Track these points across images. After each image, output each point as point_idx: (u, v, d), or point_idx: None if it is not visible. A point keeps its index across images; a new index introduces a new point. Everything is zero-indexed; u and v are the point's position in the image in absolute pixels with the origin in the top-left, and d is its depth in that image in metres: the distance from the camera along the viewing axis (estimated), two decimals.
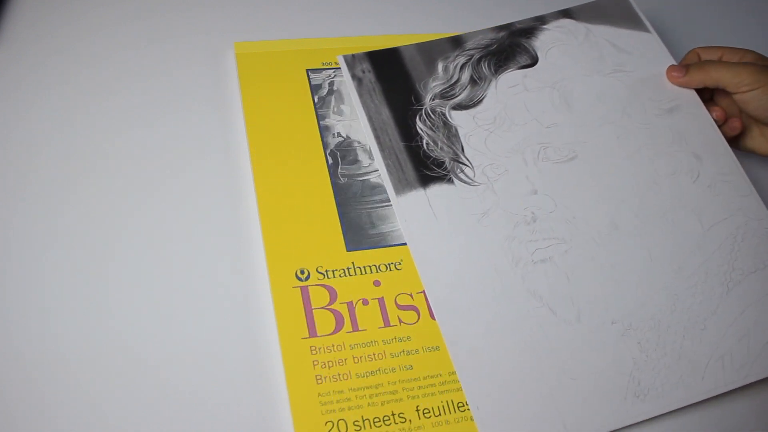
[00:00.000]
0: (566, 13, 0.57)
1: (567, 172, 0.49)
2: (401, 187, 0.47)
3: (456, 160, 0.49)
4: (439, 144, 0.49)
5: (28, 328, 0.39)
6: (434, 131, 0.50)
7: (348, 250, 0.45)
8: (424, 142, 0.49)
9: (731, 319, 0.44)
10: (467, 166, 0.49)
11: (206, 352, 0.40)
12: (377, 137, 0.50)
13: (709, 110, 0.52)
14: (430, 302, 0.43)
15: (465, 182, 0.48)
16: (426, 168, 0.48)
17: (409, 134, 0.50)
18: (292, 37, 0.55)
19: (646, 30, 0.56)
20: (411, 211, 0.46)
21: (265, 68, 0.53)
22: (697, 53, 0.54)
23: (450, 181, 0.48)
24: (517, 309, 0.43)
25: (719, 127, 0.52)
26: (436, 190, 0.47)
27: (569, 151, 0.49)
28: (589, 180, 0.48)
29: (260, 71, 0.53)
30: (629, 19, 0.56)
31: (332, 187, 0.48)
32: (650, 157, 0.50)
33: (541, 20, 0.56)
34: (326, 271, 0.44)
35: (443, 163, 0.49)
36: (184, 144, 0.48)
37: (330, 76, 0.54)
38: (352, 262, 0.45)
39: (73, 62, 0.51)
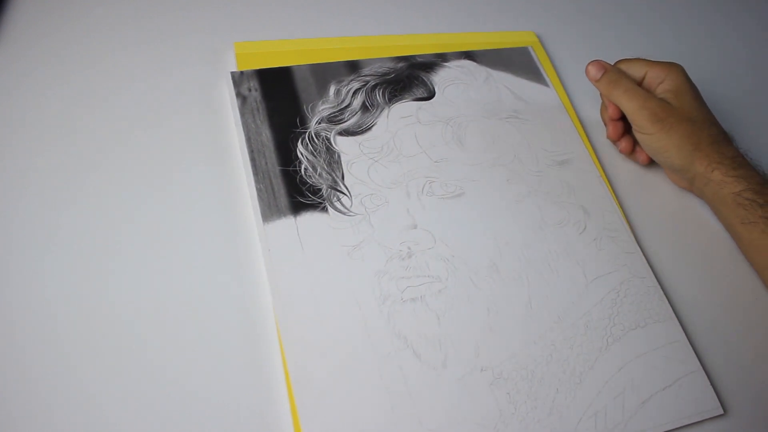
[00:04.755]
0: (468, 55, 0.56)
1: (452, 209, 0.46)
2: (270, 213, 0.44)
3: (334, 187, 0.45)
4: (319, 170, 0.46)
5: (29, 329, 0.39)
6: (315, 156, 0.47)
7: None
8: (303, 167, 0.46)
9: (608, 375, 0.41)
10: (345, 194, 0.45)
11: (206, 351, 0.39)
12: (253, 159, 0.46)
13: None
14: (282, 339, 0.39)
15: (340, 212, 0.44)
16: (300, 195, 0.45)
17: (287, 158, 0.47)
18: (292, 37, 0.55)
19: (545, 84, 0.56)
20: (276, 240, 0.43)
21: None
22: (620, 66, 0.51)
23: (324, 209, 0.44)
24: (377, 350, 0.39)
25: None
26: (308, 218, 0.44)
27: (457, 187, 0.47)
28: (474, 219, 0.46)
29: None
30: (530, 71, 0.56)
31: None
32: (539, 204, 0.48)
33: (442, 57, 0.55)
34: None
35: (320, 190, 0.45)
36: (184, 144, 0.48)
37: None
38: None
39: (73, 62, 0.51)
